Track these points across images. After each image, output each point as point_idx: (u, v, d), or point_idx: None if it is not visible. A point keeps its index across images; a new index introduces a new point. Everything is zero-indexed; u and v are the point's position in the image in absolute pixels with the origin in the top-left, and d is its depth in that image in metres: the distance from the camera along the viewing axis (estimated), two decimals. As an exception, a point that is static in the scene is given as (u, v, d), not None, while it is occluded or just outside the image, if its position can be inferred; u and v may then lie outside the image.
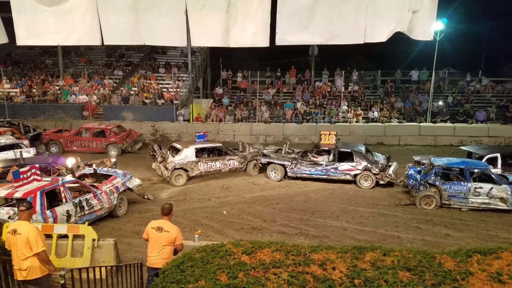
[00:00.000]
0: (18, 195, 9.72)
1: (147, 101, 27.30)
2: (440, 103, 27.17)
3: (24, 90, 28.63)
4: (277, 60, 33.36)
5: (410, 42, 11.47)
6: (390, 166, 16.05)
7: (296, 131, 25.08)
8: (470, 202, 13.13)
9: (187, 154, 16.19)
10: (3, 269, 6.58)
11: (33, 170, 10.67)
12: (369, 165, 15.59)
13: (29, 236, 6.14)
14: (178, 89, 28.00)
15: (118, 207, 12.56)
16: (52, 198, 11.05)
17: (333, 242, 10.62)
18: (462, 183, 13.18)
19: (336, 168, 15.94)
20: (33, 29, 9.49)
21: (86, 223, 9.16)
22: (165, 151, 16.39)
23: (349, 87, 29.70)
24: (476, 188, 13.03)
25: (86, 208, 11.19)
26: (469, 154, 16.61)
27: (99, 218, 11.89)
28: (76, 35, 9.44)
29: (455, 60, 35.92)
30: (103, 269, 7.12)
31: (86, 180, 12.90)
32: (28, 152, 15.57)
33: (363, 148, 16.74)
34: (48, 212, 10.05)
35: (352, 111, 26.27)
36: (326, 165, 16.05)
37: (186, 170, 16.11)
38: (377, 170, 15.53)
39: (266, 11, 8.71)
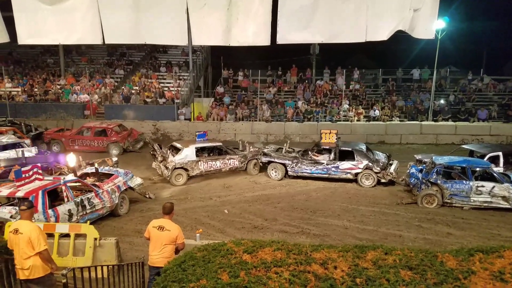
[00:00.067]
0: (20, 194, 9.74)
1: (148, 100, 27.31)
2: (442, 101, 27.15)
3: (25, 89, 28.67)
4: (278, 58, 33.31)
5: (411, 40, 11.43)
6: (391, 164, 16.04)
7: (297, 130, 25.08)
8: (472, 200, 13.12)
9: (188, 153, 16.17)
10: (5, 268, 6.59)
11: (35, 169, 10.69)
12: (370, 164, 15.58)
13: (31, 235, 6.15)
14: (179, 88, 27.99)
15: (120, 206, 12.59)
16: (54, 197, 11.08)
17: (334, 241, 10.62)
18: (464, 181, 13.17)
19: (337, 167, 15.92)
20: (34, 28, 9.47)
21: (88, 222, 9.16)
22: (165, 151, 16.36)
23: (350, 86, 29.68)
24: (478, 186, 13.01)
25: (87, 207, 11.21)
26: (471, 153, 16.59)
27: (100, 217, 11.92)
28: (77, 34, 9.41)
29: (457, 58, 35.84)
30: (104, 268, 7.13)
31: (88, 179, 12.92)
32: (30, 151, 15.59)
33: (364, 147, 16.74)
34: (50, 211, 10.06)
35: (354, 109, 26.27)
36: (327, 164, 16.04)
37: (186, 170, 16.09)
38: (378, 168, 15.52)
39: (267, 9, 8.68)
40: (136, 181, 13.69)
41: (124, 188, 12.86)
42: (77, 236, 8.66)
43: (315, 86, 29.97)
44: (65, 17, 9.23)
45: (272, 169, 16.67)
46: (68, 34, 9.51)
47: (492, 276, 4.68)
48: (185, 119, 25.91)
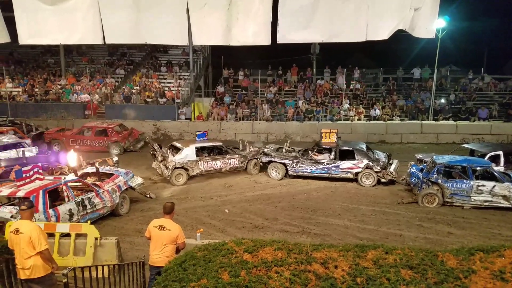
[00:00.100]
0: (20, 194, 9.75)
1: (148, 99, 27.31)
2: (442, 101, 27.14)
3: (26, 89, 28.68)
4: (278, 58, 33.33)
5: (412, 39, 11.42)
6: (391, 164, 16.04)
7: (298, 130, 25.08)
8: (472, 200, 13.11)
9: (188, 153, 16.14)
10: (6, 268, 6.59)
11: (36, 169, 10.70)
12: (370, 163, 15.58)
13: (31, 235, 6.15)
14: (179, 88, 28.00)
15: (120, 206, 12.58)
16: (55, 197, 11.10)
17: (335, 241, 10.62)
18: (465, 181, 13.16)
19: (337, 167, 15.92)
20: (35, 28, 9.50)
21: (89, 221, 9.17)
22: (165, 150, 16.33)
23: (351, 85, 29.66)
24: (478, 186, 13.00)
25: (88, 207, 11.21)
26: (472, 152, 16.58)
27: (101, 217, 11.91)
28: (78, 34, 9.43)
29: (457, 57, 35.82)
30: (105, 268, 7.13)
31: (89, 179, 12.93)
32: (31, 151, 15.60)
33: (364, 146, 16.74)
34: (50, 211, 10.07)
35: (354, 109, 26.26)
36: (328, 164, 16.03)
37: (186, 169, 16.06)
38: (379, 168, 15.51)
39: (267, 9, 8.69)
40: (137, 180, 13.69)
41: (125, 187, 12.86)
42: (78, 235, 8.67)
43: (316, 86, 29.96)
44: (65, 17, 9.26)
45: (273, 169, 16.66)
46: (68, 34, 9.53)
47: (492, 275, 4.69)
48: (185, 119, 25.92)
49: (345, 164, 15.88)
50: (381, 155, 16.63)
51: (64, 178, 11.32)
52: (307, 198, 14.25)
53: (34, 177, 10.54)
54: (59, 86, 29.13)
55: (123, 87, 29.00)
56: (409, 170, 15.24)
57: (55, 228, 8.69)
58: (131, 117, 25.60)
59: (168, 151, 16.37)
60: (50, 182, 10.66)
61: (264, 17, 8.74)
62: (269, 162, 16.74)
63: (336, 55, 33.40)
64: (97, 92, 28.14)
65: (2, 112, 24.97)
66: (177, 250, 6.87)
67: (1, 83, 28.93)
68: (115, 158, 16.10)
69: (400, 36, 10.19)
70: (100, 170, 13.38)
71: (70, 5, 9.15)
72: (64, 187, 10.84)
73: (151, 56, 34.44)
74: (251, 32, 8.96)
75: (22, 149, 15.53)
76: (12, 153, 15.19)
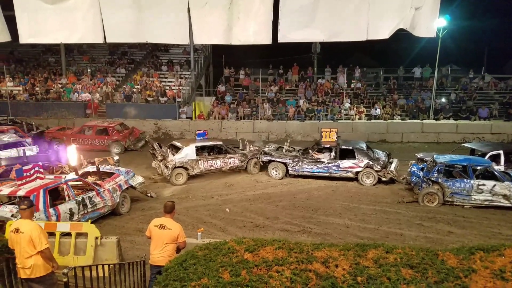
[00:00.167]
0: (21, 193, 9.74)
1: (149, 99, 27.31)
2: (443, 100, 27.15)
3: (27, 88, 28.70)
4: (279, 57, 33.33)
5: (412, 39, 11.40)
6: (391, 163, 16.05)
7: (299, 129, 25.08)
8: (473, 199, 13.11)
9: (188, 152, 16.10)
10: (7, 267, 6.59)
11: (36, 168, 10.70)
12: (371, 162, 15.57)
13: (32, 234, 6.14)
14: (180, 87, 28.02)
15: (121, 205, 12.58)
16: (55, 196, 11.10)
17: (335, 240, 10.63)
18: (465, 180, 13.16)
19: (338, 166, 15.91)
20: (36, 27, 9.49)
21: (89, 221, 9.17)
22: (165, 150, 16.30)
23: (352, 84, 29.68)
24: (479, 185, 13.00)
25: (89, 206, 11.22)
26: (472, 151, 16.57)
27: (102, 216, 11.92)
28: (78, 33, 9.42)
29: (458, 57, 35.87)
30: (106, 267, 7.14)
31: (89, 178, 12.93)
32: (31, 150, 15.60)
33: (364, 145, 16.73)
34: (51, 210, 10.08)
35: (355, 108, 26.26)
36: (328, 163, 16.03)
37: (186, 169, 16.01)
38: (379, 167, 15.51)
39: (268, 8, 8.68)
40: (138, 179, 13.68)
41: (126, 187, 12.86)
42: (78, 235, 8.67)
43: (317, 85, 29.97)
44: (66, 16, 9.25)
45: (273, 168, 16.64)
46: (69, 33, 9.52)
47: (492, 274, 4.69)
48: (186, 118, 25.93)
49: (346, 163, 15.88)
50: (381, 154, 16.63)
51: (65, 177, 11.33)
52: (308, 197, 14.25)
53: (34, 176, 10.55)
54: (59, 85, 29.16)
55: (124, 86, 29.01)
56: (409, 169, 15.24)
57: (55, 227, 8.69)
58: (132, 116, 25.59)
59: (168, 150, 16.34)
60: (50, 181, 10.66)
61: (265, 16, 8.73)
62: (270, 161, 16.73)
63: (337, 54, 33.45)
64: (98, 91, 28.15)
65: (2, 111, 24.98)
66: (178, 249, 6.88)
67: (2, 82, 28.94)
68: (116, 157, 16.10)
69: (401, 36, 10.18)
70: (100, 169, 13.38)
71: (71, 4, 9.14)
72: (64, 186, 10.85)
73: (152, 55, 34.46)
74: (252, 31, 8.96)
75: (23, 148, 15.53)
76: (12, 152, 15.19)
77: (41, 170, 10.93)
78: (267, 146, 18.35)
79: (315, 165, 16.14)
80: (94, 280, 6.59)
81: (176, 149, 16.47)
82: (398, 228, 11.60)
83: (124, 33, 9.47)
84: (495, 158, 14.87)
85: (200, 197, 14.37)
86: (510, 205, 12.89)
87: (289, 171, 16.42)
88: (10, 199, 10.52)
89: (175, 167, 15.75)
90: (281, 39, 8.95)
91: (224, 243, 5.62)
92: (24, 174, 10.33)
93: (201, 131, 17.34)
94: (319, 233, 11.26)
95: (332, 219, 12.24)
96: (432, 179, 13.47)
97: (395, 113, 26.11)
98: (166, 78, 30.77)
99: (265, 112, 26.01)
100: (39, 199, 9.81)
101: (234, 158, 17.01)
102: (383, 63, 32.75)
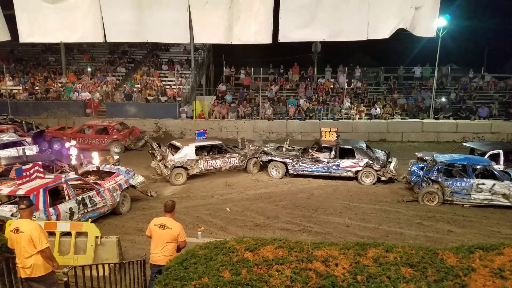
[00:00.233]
0: (21, 192, 9.74)
1: (150, 98, 27.33)
2: (443, 99, 27.16)
3: (26, 87, 28.71)
4: (280, 56, 33.38)
5: (413, 38, 11.43)
6: (390, 162, 16.08)
7: (299, 128, 25.10)
8: (472, 198, 13.13)
9: (187, 152, 16.04)
10: (6, 266, 6.59)
11: (36, 168, 10.70)
12: (370, 162, 15.59)
13: (32, 233, 6.13)
14: (181, 86, 28.02)
15: (121, 204, 12.59)
16: (55, 195, 11.11)
17: (336, 239, 10.65)
18: (465, 179, 13.17)
19: (337, 165, 15.91)
20: (36, 26, 9.47)
21: (89, 220, 9.17)
22: (164, 149, 16.24)
23: (352, 84, 29.71)
24: (478, 184, 13.01)
25: (89, 205, 11.22)
26: (472, 151, 16.58)
27: (102, 215, 11.93)
28: (79, 32, 9.41)
29: (458, 56, 35.86)
30: (106, 266, 7.14)
31: (89, 177, 12.93)
32: (31, 150, 15.61)
33: (363, 145, 16.74)
34: (51, 210, 10.08)
35: (355, 107, 26.27)
36: (328, 162, 16.03)
37: (186, 169, 15.94)
38: (379, 166, 15.52)
39: (268, 8, 8.68)
40: (138, 179, 13.67)
41: (126, 186, 12.85)
42: (79, 234, 8.66)
43: (317, 84, 29.98)
44: (66, 15, 9.24)
45: (273, 168, 16.63)
46: (69, 32, 9.51)
47: (492, 273, 4.70)
48: (187, 117, 25.94)
49: (345, 162, 15.88)
50: (380, 154, 16.64)
51: (65, 176, 11.33)
52: (308, 197, 14.26)
53: (34, 175, 10.54)
54: (59, 84, 29.16)
55: (124, 85, 29.01)
56: (409, 169, 15.26)
57: (55, 226, 8.68)
58: (132, 115, 25.61)
59: (167, 150, 16.29)
60: (50, 181, 10.66)
61: (266, 16, 8.73)
62: (269, 161, 16.72)
63: (338, 54, 33.49)
64: (98, 90, 28.16)
65: (2, 110, 24.99)
66: (178, 249, 6.88)
67: (2, 81, 28.93)
68: (116, 157, 16.09)
69: (401, 35, 10.18)
70: (100, 169, 13.39)
71: (71, 3, 9.13)
72: (64, 186, 10.85)
73: (152, 54, 34.45)
74: (253, 31, 8.95)
75: (23, 147, 15.54)
76: (12, 152, 15.21)
77: (41, 169, 10.92)
78: (266, 145, 18.35)
79: (315, 165, 16.14)
80: (94, 280, 6.59)
81: (176, 149, 16.43)
82: (398, 227, 11.61)
83: (125, 32, 9.46)
84: (495, 158, 14.88)
85: (201, 196, 14.38)
86: (509, 204, 12.91)
87: (289, 170, 16.42)
88: (10, 199, 10.51)
89: (175, 167, 15.68)
90: (282, 38, 8.95)
91: (225, 242, 5.62)
92: (24, 174, 10.32)
93: (201, 131, 17.31)
94: (320, 232, 11.27)
95: (332, 218, 12.25)
96: (432, 178, 13.49)
97: (395, 112, 26.12)
98: (167, 77, 30.78)
99: (265, 111, 26.01)
100: (39, 199, 9.81)
101: (234, 157, 16.99)
102: (383, 63, 32.76)
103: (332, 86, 29.58)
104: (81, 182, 11.89)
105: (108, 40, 9.41)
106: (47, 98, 27.37)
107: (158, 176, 16.34)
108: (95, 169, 13.32)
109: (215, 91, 30.64)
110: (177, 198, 13.69)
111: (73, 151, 13.16)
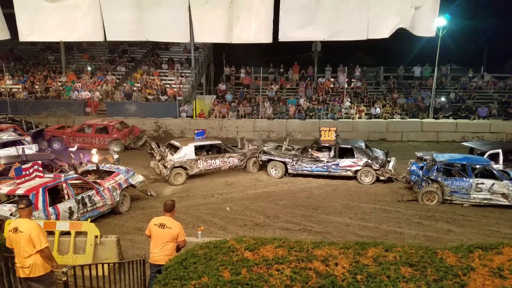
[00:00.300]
0: (20, 192, 9.74)
1: (150, 97, 27.32)
2: (443, 99, 27.18)
3: (26, 86, 28.68)
4: (280, 56, 33.38)
5: (412, 38, 11.45)
6: (389, 161, 16.09)
7: (299, 127, 25.11)
8: (472, 197, 13.14)
9: (186, 152, 15.96)
10: (5, 266, 6.57)
11: (35, 167, 10.68)
12: (369, 161, 15.59)
13: (31, 233, 6.10)
14: (181, 85, 28.02)
15: (121, 204, 12.58)
16: (55, 194, 11.10)
17: (335, 238, 10.65)
18: (464, 179, 13.18)
19: (337, 165, 15.92)
20: (36, 25, 9.48)
21: (89, 219, 9.17)
22: (163, 149, 16.14)
23: (352, 83, 29.73)
24: (478, 184, 13.02)
25: (88, 204, 11.21)
26: (471, 150, 16.60)
27: (101, 214, 11.93)
28: (79, 32, 9.41)
29: (458, 56, 35.89)
30: (105, 266, 7.15)
31: (89, 177, 12.92)
32: (31, 149, 15.59)
33: (363, 144, 16.74)
34: (50, 209, 10.07)
35: (355, 107, 26.29)
36: (327, 162, 16.03)
37: (185, 169, 15.86)
38: (378, 166, 15.53)
39: (269, 7, 8.69)
40: (138, 178, 13.66)
41: (125, 185, 12.84)
42: (78, 234, 8.64)
43: (317, 84, 29.99)
44: (66, 15, 9.24)
45: (272, 167, 16.62)
46: (69, 32, 9.52)
47: (491, 272, 4.70)
48: (187, 117, 25.93)
49: (345, 162, 15.89)
50: (379, 153, 16.65)
51: (64, 176, 11.32)
52: (308, 196, 14.27)
53: (34, 174, 10.53)
54: (59, 83, 29.14)
55: (124, 84, 29.01)
56: (409, 168, 15.27)
57: (54, 226, 8.66)
58: (132, 114, 25.58)
59: (167, 150, 16.19)
60: (50, 180, 10.65)
61: (266, 15, 8.74)
62: (269, 160, 16.71)
63: (338, 54, 33.51)
64: (98, 90, 28.15)
65: (2, 109, 24.93)
66: (178, 248, 6.87)
67: (1, 80, 28.92)
68: (116, 156, 16.07)
69: (401, 35, 10.21)
70: (100, 168, 13.37)
71: (71, 3, 9.14)
72: (64, 185, 10.83)
73: (153, 53, 34.44)
74: (253, 30, 8.96)
75: (22, 146, 15.53)
76: (11, 151, 15.19)
77: (41, 168, 10.91)
78: (266, 145, 18.33)
79: (314, 164, 16.14)
80: (93, 279, 6.59)
81: (175, 149, 16.36)
82: (398, 226, 11.62)
83: (125, 32, 9.47)
84: (494, 157, 14.90)
85: (201, 195, 14.38)
86: (508, 203, 12.92)
87: (289, 170, 16.41)
88: (9, 198, 10.50)
89: (174, 167, 15.60)
90: (282, 38, 8.97)
91: (225, 241, 5.61)
92: (23, 173, 10.30)
93: (200, 130, 17.27)
94: (319, 231, 11.28)
95: (332, 218, 12.26)
96: (432, 177, 13.49)
97: (395, 112, 26.14)
98: (167, 76, 30.78)
99: (265, 111, 26.01)
100: (38, 198, 9.81)
101: (233, 157, 16.96)
102: (383, 62, 32.79)
103: (332, 86, 29.60)
104: (80, 181, 11.88)
105: (108, 39, 9.42)
106: (47, 97, 27.36)
107: (158, 176, 16.30)
108: (94, 168, 13.30)
109: (215, 90, 30.63)
110: (177, 198, 13.69)
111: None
